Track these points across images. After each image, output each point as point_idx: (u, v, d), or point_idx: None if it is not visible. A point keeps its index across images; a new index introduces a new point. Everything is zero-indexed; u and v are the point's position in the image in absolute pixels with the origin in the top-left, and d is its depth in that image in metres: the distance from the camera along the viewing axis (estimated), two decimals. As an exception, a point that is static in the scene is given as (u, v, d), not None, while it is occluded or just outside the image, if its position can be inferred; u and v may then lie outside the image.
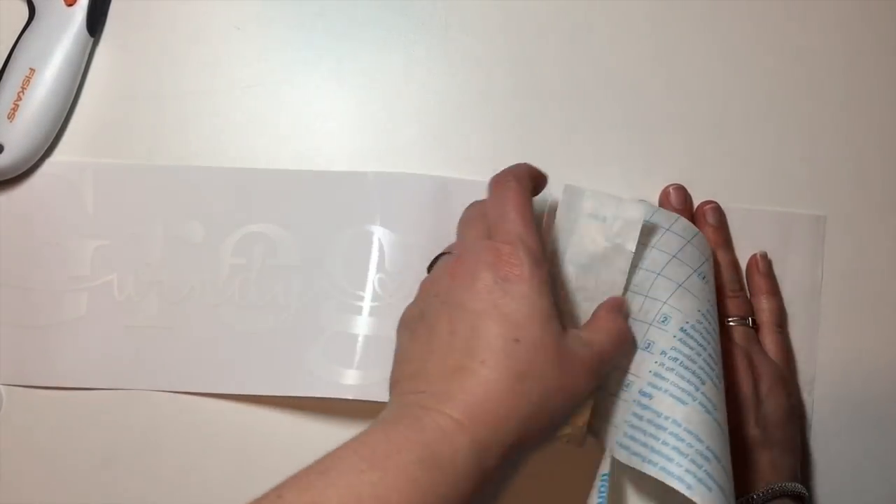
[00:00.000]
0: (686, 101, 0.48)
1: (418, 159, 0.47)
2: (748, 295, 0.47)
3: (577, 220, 0.40)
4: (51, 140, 0.46)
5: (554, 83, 0.48)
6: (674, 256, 0.40)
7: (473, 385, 0.30)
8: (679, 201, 0.46)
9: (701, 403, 0.37)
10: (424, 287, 0.35)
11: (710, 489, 0.35)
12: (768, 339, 0.45)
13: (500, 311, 0.32)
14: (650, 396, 0.38)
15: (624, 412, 0.38)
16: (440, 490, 0.28)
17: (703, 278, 0.41)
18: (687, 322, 0.39)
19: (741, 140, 0.48)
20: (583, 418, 0.38)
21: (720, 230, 0.46)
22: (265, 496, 0.28)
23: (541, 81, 0.48)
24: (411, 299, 0.36)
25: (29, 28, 0.46)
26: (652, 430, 0.37)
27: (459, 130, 0.48)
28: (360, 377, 0.44)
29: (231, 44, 0.48)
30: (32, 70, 0.45)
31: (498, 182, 0.36)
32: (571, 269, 0.40)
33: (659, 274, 0.40)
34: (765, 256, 0.47)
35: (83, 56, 0.47)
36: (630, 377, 0.39)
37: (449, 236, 0.39)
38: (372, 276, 0.45)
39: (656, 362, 0.38)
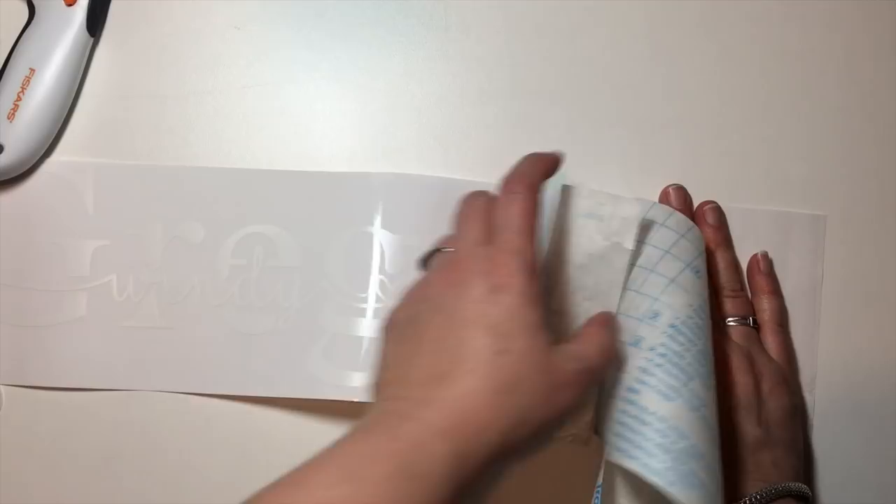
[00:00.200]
0: (685, 101, 0.48)
1: (418, 159, 0.47)
2: (749, 295, 0.47)
3: (575, 219, 0.40)
4: (51, 140, 0.46)
5: (554, 83, 0.48)
6: (667, 252, 0.40)
7: (456, 393, 0.30)
8: (679, 202, 0.46)
9: (688, 400, 0.37)
10: (416, 290, 0.35)
11: (693, 486, 0.35)
12: (770, 339, 0.45)
13: (490, 321, 0.31)
14: (637, 392, 0.37)
15: (613, 408, 0.38)
16: (416, 501, 0.28)
17: (697, 273, 0.40)
18: (677, 318, 0.39)
19: (741, 140, 0.48)
20: (587, 417, 0.38)
21: (720, 230, 0.46)
22: None
23: (541, 81, 0.48)
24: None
25: (29, 28, 0.46)
26: (637, 425, 0.36)
27: (459, 130, 0.48)
28: (365, 379, 0.44)
29: (231, 44, 0.48)
30: (32, 70, 0.45)
31: (509, 186, 0.36)
32: (570, 268, 0.40)
33: (652, 270, 0.40)
34: (766, 256, 0.47)
35: (83, 56, 0.46)
36: (620, 374, 0.39)
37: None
38: (373, 278, 0.45)
39: (644, 358, 0.38)
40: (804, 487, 0.41)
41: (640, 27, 0.49)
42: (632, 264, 0.40)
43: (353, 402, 0.44)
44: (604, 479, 0.38)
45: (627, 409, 0.37)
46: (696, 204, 0.47)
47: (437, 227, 0.44)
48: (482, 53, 0.48)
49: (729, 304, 0.45)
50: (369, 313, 0.45)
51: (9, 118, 0.45)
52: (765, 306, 0.46)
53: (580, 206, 0.40)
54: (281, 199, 0.46)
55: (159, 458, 0.45)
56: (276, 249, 0.46)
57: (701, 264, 0.41)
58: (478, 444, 0.29)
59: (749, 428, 0.42)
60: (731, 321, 0.45)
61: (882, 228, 0.48)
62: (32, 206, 0.46)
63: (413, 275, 0.44)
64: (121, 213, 0.46)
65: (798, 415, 0.44)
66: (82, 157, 0.47)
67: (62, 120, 0.46)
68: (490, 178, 0.46)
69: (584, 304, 0.40)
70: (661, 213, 0.41)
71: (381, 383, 0.33)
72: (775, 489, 0.40)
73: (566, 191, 0.39)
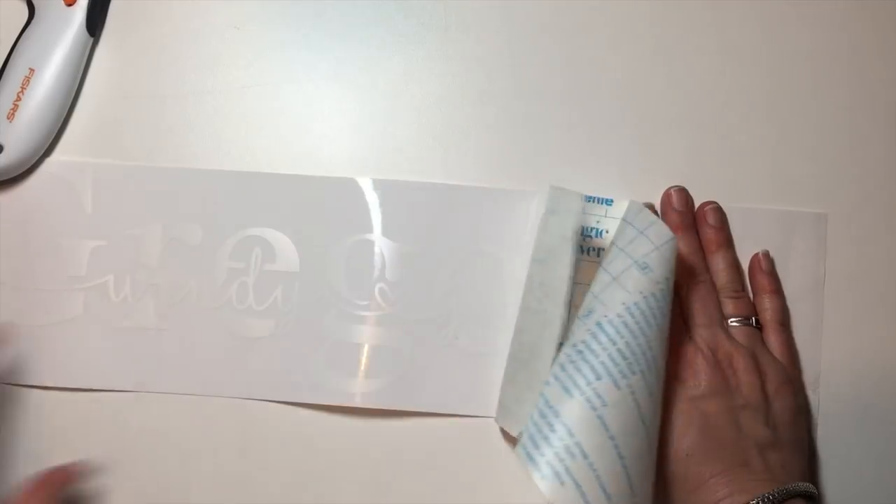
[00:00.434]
0: (686, 101, 0.48)
1: (418, 159, 0.47)
2: (751, 295, 0.46)
3: (570, 217, 0.41)
4: (50, 140, 0.46)
5: (554, 83, 0.48)
6: (622, 249, 0.41)
7: None
8: (681, 203, 0.46)
9: (588, 399, 0.37)
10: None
11: (562, 483, 0.35)
12: (772, 339, 0.45)
13: None
14: (549, 384, 0.38)
15: (536, 397, 0.40)
16: None
17: (644, 269, 0.40)
18: (605, 316, 0.39)
19: (742, 139, 0.48)
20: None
21: (721, 231, 0.46)
22: None
23: (541, 81, 0.48)
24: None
25: (29, 28, 0.46)
26: (537, 416, 0.37)
27: (459, 130, 0.48)
28: (366, 385, 0.44)
29: (230, 43, 0.48)
30: (32, 70, 0.45)
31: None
32: (533, 266, 0.42)
33: (603, 268, 0.41)
34: (767, 255, 0.46)
35: (83, 56, 0.47)
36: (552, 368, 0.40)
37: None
38: (373, 285, 0.45)
39: (565, 353, 0.39)
40: (811, 487, 0.41)
41: (640, 27, 0.49)
42: (592, 261, 0.41)
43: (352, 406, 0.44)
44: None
45: (539, 399, 0.38)
46: (697, 204, 0.47)
47: (437, 235, 0.44)
48: (482, 53, 0.48)
49: (731, 305, 0.45)
50: (369, 321, 0.45)
51: (8, 118, 0.45)
52: (767, 306, 0.46)
53: (575, 208, 0.41)
54: (281, 203, 0.46)
55: (158, 459, 0.45)
56: (275, 253, 0.46)
57: (654, 260, 0.40)
58: None
59: (758, 428, 0.41)
60: (733, 322, 0.45)
61: (884, 226, 0.48)
62: (31, 205, 0.46)
63: (413, 283, 0.44)
64: (119, 214, 0.46)
65: (803, 414, 0.44)
66: (82, 157, 0.47)
67: (62, 120, 0.46)
68: (489, 180, 0.47)
69: (544, 301, 0.40)
70: (631, 210, 0.42)
71: None
72: (785, 490, 0.39)
73: (566, 195, 0.40)
